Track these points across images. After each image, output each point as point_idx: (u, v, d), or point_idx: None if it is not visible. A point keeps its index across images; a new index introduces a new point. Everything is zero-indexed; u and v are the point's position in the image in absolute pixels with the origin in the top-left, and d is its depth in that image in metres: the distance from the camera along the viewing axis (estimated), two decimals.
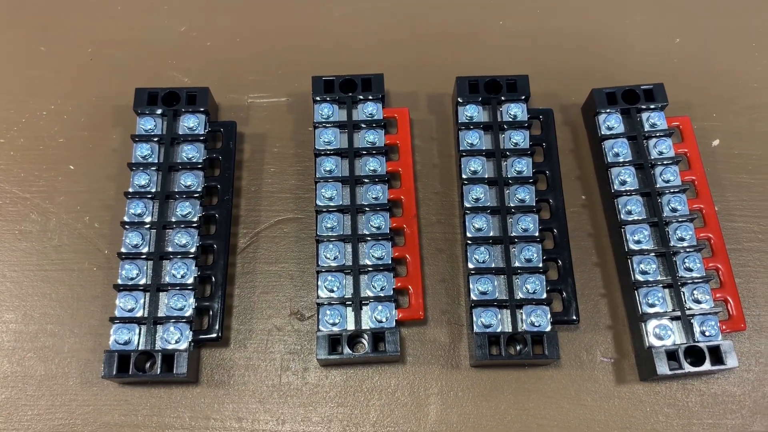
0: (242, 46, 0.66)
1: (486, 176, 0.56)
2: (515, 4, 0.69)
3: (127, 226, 0.54)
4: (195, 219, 0.54)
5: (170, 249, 0.54)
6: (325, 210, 0.55)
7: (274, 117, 0.63)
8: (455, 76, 0.60)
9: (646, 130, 0.58)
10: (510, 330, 0.51)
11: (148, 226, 0.54)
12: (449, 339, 0.55)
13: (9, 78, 0.64)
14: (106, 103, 0.63)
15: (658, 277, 0.53)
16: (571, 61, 0.65)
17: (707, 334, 0.51)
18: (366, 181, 0.56)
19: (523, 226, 0.54)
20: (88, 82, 0.64)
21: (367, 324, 0.52)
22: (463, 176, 0.56)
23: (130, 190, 0.55)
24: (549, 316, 0.51)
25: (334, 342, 0.51)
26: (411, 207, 0.56)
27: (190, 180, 0.56)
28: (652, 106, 0.58)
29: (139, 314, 0.52)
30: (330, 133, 0.57)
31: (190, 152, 0.57)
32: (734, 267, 0.55)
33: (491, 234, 0.54)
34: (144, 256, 0.53)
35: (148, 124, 0.57)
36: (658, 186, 0.56)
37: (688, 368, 0.50)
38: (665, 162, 0.56)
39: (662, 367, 0.50)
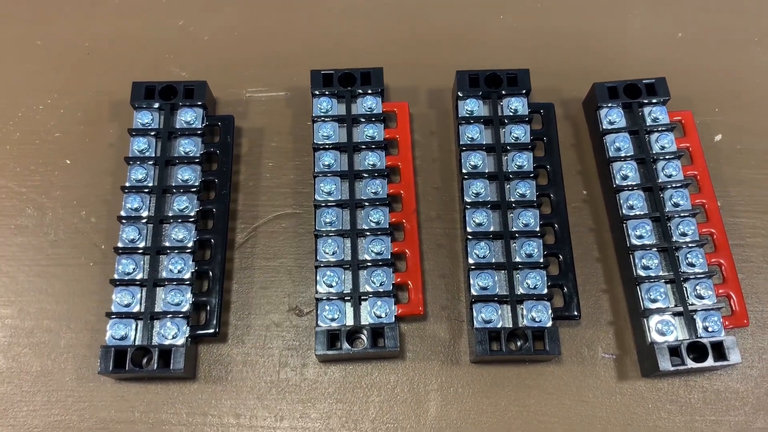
0: (240, 40, 0.66)
1: (486, 171, 0.56)
2: None
3: (123, 221, 0.54)
4: (192, 213, 0.54)
5: (167, 244, 0.53)
6: (324, 205, 0.54)
7: (273, 111, 0.62)
8: (455, 70, 0.59)
9: (647, 124, 0.57)
10: (511, 325, 0.51)
11: (145, 220, 0.54)
12: (449, 335, 0.54)
13: (5, 72, 0.64)
14: (102, 98, 0.62)
15: (660, 273, 0.52)
16: (572, 56, 0.65)
17: (710, 329, 0.51)
18: (365, 175, 0.56)
19: (523, 221, 0.54)
20: (84, 76, 0.64)
21: (366, 319, 0.51)
22: (464, 171, 0.56)
23: (127, 184, 0.55)
24: (550, 311, 0.51)
25: (333, 337, 0.51)
26: (410, 202, 0.56)
27: (187, 174, 0.55)
28: (653, 101, 0.58)
29: (136, 309, 0.51)
30: (329, 128, 0.57)
31: (188, 146, 0.56)
32: (737, 263, 0.54)
33: (492, 229, 0.54)
34: (141, 251, 0.53)
35: (145, 118, 0.57)
36: (660, 181, 0.55)
37: (690, 364, 0.49)
38: (667, 157, 0.56)
39: (665, 363, 0.49)
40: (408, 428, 0.51)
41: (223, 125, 0.58)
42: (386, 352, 0.51)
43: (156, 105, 0.57)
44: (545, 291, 0.52)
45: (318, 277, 0.52)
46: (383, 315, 0.51)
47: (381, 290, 0.52)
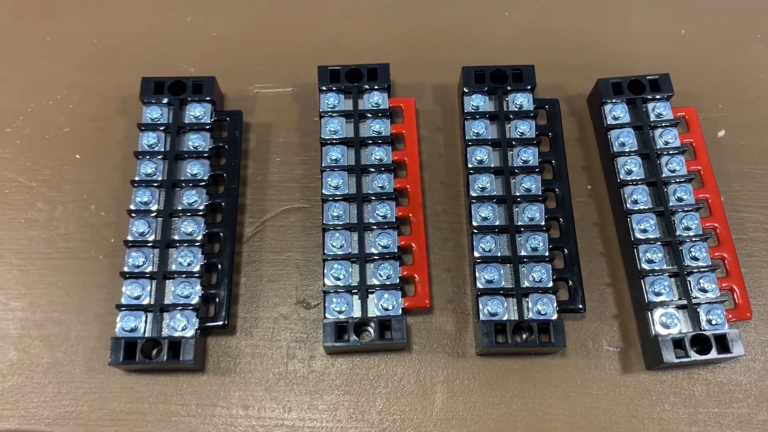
0: (248, 37, 0.66)
1: (492, 165, 0.56)
2: None
3: (133, 215, 0.54)
4: (201, 207, 0.55)
5: (176, 237, 0.54)
6: (331, 199, 0.55)
7: (280, 107, 0.63)
8: (461, 67, 0.60)
9: (651, 120, 0.58)
10: (516, 318, 0.52)
11: (154, 214, 0.54)
12: (455, 328, 0.55)
13: (16, 68, 0.64)
14: (111, 94, 0.63)
15: (664, 266, 0.53)
16: (576, 53, 0.66)
17: (713, 322, 0.51)
18: (372, 170, 0.56)
19: (529, 215, 0.54)
20: (93, 72, 0.64)
21: (373, 312, 0.52)
22: (469, 165, 0.56)
23: (137, 178, 0.55)
24: (555, 304, 0.52)
25: (340, 330, 0.51)
26: (417, 196, 0.56)
27: (196, 168, 0.56)
28: (657, 97, 0.58)
29: (146, 302, 0.52)
30: (336, 123, 0.57)
31: (197, 141, 0.57)
32: (740, 257, 0.55)
33: (497, 223, 0.54)
34: (150, 244, 0.54)
35: (154, 113, 0.58)
36: (664, 176, 0.56)
37: (694, 356, 0.50)
38: (671, 152, 0.57)
39: (668, 355, 0.50)
40: (414, 419, 0.52)
41: (231, 120, 0.59)
42: (393, 344, 0.51)
43: (165, 100, 0.58)
44: (550, 284, 0.52)
45: (326, 270, 0.53)
46: (390, 307, 0.52)
47: (388, 283, 0.52)
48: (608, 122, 0.58)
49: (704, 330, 0.51)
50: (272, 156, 0.61)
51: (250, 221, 0.58)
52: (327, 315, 0.52)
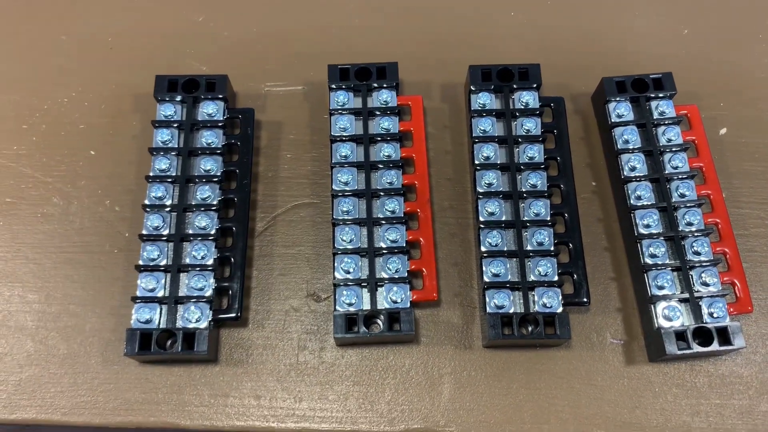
0: (259, 35, 0.68)
1: (498, 162, 0.57)
2: None
3: (148, 209, 0.56)
4: (214, 202, 0.56)
5: (190, 231, 0.55)
6: (341, 194, 0.56)
7: (291, 105, 0.64)
8: (468, 66, 0.61)
9: (654, 117, 0.59)
10: (522, 311, 0.53)
11: (168, 209, 0.56)
12: (462, 321, 0.56)
13: (31, 66, 0.66)
14: (125, 91, 0.64)
15: (667, 261, 0.54)
16: (581, 52, 0.67)
17: (715, 315, 0.52)
18: (381, 166, 0.57)
19: (534, 211, 0.55)
20: (108, 70, 0.66)
21: (382, 304, 0.53)
22: (476, 162, 0.57)
23: (151, 174, 0.57)
24: (560, 297, 0.53)
25: (350, 321, 0.52)
26: (424, 192, 0.57)
27: (209, 165, 0.57)
28: (660, 95, 0.60)
29: (160, 294, 0.53)
30: (345, 120, 0.59)
31: (210, 138, 0.58)
32: (741, 252, 0.56)
33: (503, 218, 0.56)
34: (165, 238, 0.55)
35: (168, 110, 0.59)
36: (666, 172, 0.57)
37: (696, 348, 0.51)
38: (674, 149, 0.58)
39: (671, 347, 0.51)
40: (422, 410, 0.53)
41: (243, 118, 0.60)
42: (402, 335, 0.52)
43: (178, 98, 0.59)
44: (556, 278, 0.53)
45: (336, 264, 0.54)
46: (399, 300, 0.53)
47: (396, 277, 0.54)
48: (612, 120, 0.59)
49: (706, 323, 0.52)
50: (283, 153, 0.62)
51: (262, 216, 0.59)
52: (337, 307, 0.53)
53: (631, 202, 0.56)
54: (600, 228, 0.59)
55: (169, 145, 0.58)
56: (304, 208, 0.60)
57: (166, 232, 0.55)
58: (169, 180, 0.57)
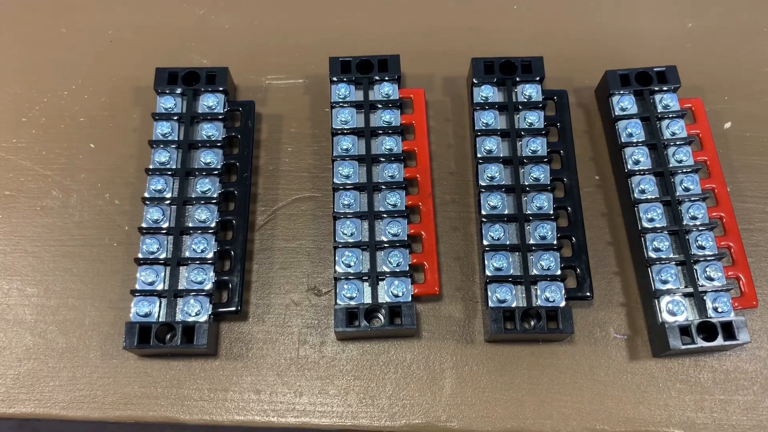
0: (260, 28, 0.67)
1: (501, 155, 0.57)
2: None
3: (147, 202, 0.55)
4: (215, 195, 0.55)
5: (190, 224, 0.55)
6: (342, 187, 0.56)
7: (291, 98, 0.64)
8: (470, 58, 0.60)
9: (659, 111, 0.59)
10: (525, 305, 0.52)
11: (168, 202, 0.55)
12: (464, 315, 0.55)
13: (31, 59, 0.65)
14: (125, 84, 0.64)
15: (671, 255, 0.54)
16: (584, 45, 0.66)
17: (719, 310, 0.52)
18: (382, 159, 0.57)
19: (537, 204, 0.55)
20: (108, 63, 0.65)
21: (383, 298, 0.53)
22: (479, 155, 0.57)
23: (151, 166, 0.56)
24: (563, 291, 0.52)
25: (351, 315, 0.52)
26: (426, 185, 0.57)
27: (209, 157, 0.57)
28: (665, 88, 0.59)
29: (160, 287, 0.53)
30: (347, 113, 0.58)
31: (210, 130, 0.58)
32: (746, 246, 0.55)
33: (506, 212, 0.55)
34: (164, 231, 0.54)
35: (168, 102, 0.58)
36: (671, 166, 0.56)
37: (700, 343, 0.51)
38: (678, 142, 0.57)
39: (675, 342, 0.50)
40: (424, 405, 0.53)
41: (243, 111, 0.60)
42: (403, 330, 0.52)
43: (179, 90, 0.59)
44: (559, 272, 0.53)
45: (337, 257, 0.53)
46: (400, 294, 0.52)
47: (398, 270, 0.53)
48: (616, 113, 0.59)
49: (710, 317, 0.52)
50: (284, 146, 0.62)
51: (262, 209, 0.59)
52: (338, 301, 0.52)
53: (635, 195, 0.56)
54: (603, 222, 0.59)
55: (169, 137, 0.57)
56: (304, 201, 0.59)
57: (165, 225, 0.55)
58: (169, 173, 0.56)
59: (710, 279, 0.53)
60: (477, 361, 0.54)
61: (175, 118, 0.58)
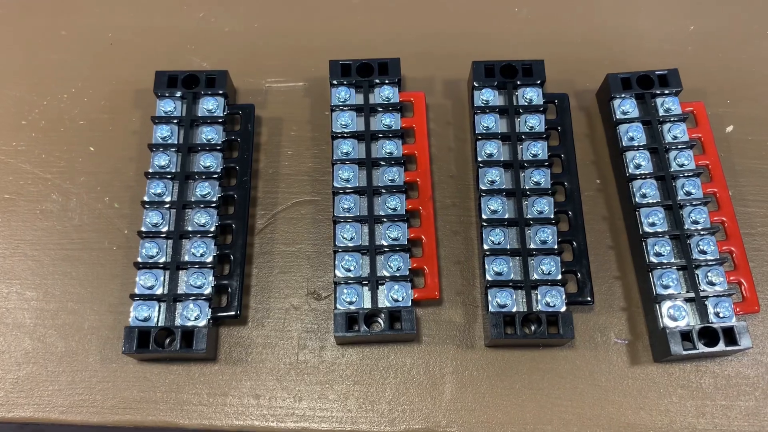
0: (260, 31, 0.67)
1: (501, 159, 0.57)
2: None
3: (147, 205, 0.55)
4: (214, 199, 0.55)
5: (190, 228, 0.55)
6: (342, 191, 0.56)
7: (291, 101, 0.64)
8: (471, 62, 0.60)
9: (660, 114, 0.58)
10: (525, 310, 0.52)
11: (168, 205, 0.55)
12: (464, 319, 0.55)
13: (31, 61, 0.65)
14: (125, 87, 0.64)
15: (672, 260, 0.53)
16: (585, 49, 0.66)
17: (721, 315, 0.52)
18: (382, 163, 0.57)
19: (538, 208, 0.55)
20: (107, 66, 0.65)
21: (383, 303, 0.52)
22: (479, 159, 0.57)
23: (150, 170, 0.56)
24: (564, 296, 0.52)
25: (351, 320, 0.52)
26: (426, 189, 0.57)
27: (209, 161, 0.56)
28: (666, 92, 0.59)
29: (159, 292, 0.53)
30: (347, 116, 0.58)
31: (210, 134, 0.57)
32: (748, 251, 0.55)
33: (506, 216, 0.55)
34: (164, 235, 0.54)
35: (168, 106, 0.58)
36: (672, 170, 0.56)
37: (702, 348, 0.50)
38: (679, 146, 0.57)
39: (676, 347, 0.50)
40: (423, 410, 0.52)
41: (243, 114, 0.60)
42: (403, 334, 0.52)
43: (178, 94, 0.59)
44: (559, 276, 0.53)
45: (336, 262, 0.53)
46: (400, 299, 0.52)
47: (398, 275, 0.53)
48: (617, 117, 0.59)
49: (712, 323, 0.51)
50: (284, 149, 0.61)
51: (262, 213, 0.59)
52: (338, 305, 0.52)
53: (636, 200, 0.55)
54: (604, 226, 0.58)
55: (169, 141, 0.57)
56: (304, 205, 0.59)
57: (165, 229, 0.54)
58: (169, 176, 0.56)
59: (712, 284, 0.52)
60: (477, 366, 0.54)
61: (175, 121, 0.58)
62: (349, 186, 0.56)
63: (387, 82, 0.59)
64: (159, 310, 0.52)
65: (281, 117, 0.63)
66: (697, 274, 0.53)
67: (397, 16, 0.68)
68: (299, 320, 0.55)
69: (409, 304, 0.52)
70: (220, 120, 0.58)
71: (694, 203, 0.55)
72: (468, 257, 0.57)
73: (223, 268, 0.55)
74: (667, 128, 0.58)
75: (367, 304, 0.52)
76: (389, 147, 0.57)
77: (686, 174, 0.56)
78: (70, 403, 0.53)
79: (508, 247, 0.54)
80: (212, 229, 0.54)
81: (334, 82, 0.59)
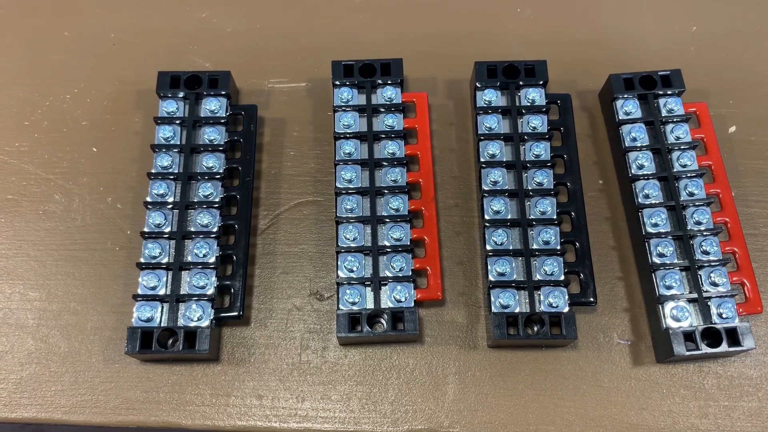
0: (262, 32, 0.67)
1: (504, 160, 0.57)
2: None
3: (149, 206, 0.55)
4: (217, 200, 0.55)
5: (192, 229, 0.55)
6: (344, 192, 0.56)
7: (294, 102, 0.64)
8: (473, 62, 0.60)
9: (663, 115, 0.58)
10: (528, 311, 0.52)
11: (170, 206, 0.55)
12: (467, 320, 0.55)
13: (34, 62, 0.65)
14: (128, 88, 0.64)
15: (675, 260, 0.53)
16: (587, 49, 0.66)
17: (724, 316, 0.51)
18: (385, 164, 0.57)
19: (541, 209, 0.55)
20: (110, 66, 0.65)
21: (386, 303, 0.52)
22: (482, 159, 0.57)
23: (153, 171, 0.56)
24: (567, 297, 0.52)
25: (353, 321, 0.52)
26: (429, 190, 0.57)
27: (212, 162, 0.56)
28: (669, 92, 0.59)
29: (162, 292, 0.53)
30: (349, 117, 0.58)
31: (212, 134, 0.57)
32: (751, 252, 0.55)
33: (509, 217, 0.55)
34: (166, 236, 0.54)
35: (170, 106, 0.58)
36: (675, 170, 0.56)
37: (705, 349, 0.50)
38: (682, 147, 0.57)
39: (679, 348, 0.50)
40: (426, 410, 0.52)
41: (246, 114, 0.60)
42: (405, 335, 0.52)
43: (181, 94, 0.59)
44: (562, 277, 0.53)
45: (339, 262, 0.53)
46: (403, 299, 0.52)
47: (400, 275, 0.53)
48: (620, 117, 0.59)
49: (715, 323, 0.51)
50: (286, 150, 0.61)
51: (264, 214, 0.59)
52: (340, 306, 0.52)
53: (639, 200, 0.55)
54: (607, 227, 0.58)
55: (172, 141, 0.57)
56: (307, 205, 0.59)
57: (168, 230, 0.54)
58: (171, 177, 0.56)
59: (715, 284, 0.52)
60: (480, 366, 0.54)
61: (178, 122, 0.58)
62: (352, 186, 0.56)
63: (389, 82, 0.59)
64: (162, 311, 0.52)
65: (284, 117, 0.63)
66: (700, 275, 0.53)
67: (399, 16, 0.68)
68: (302, 321, 0.55)
69: (412, 304, 0.52)
70: (222, 120, 0.58)
71: (696, 204, 0.55)
72: (471, 258, 0.57)
73: (226, 269, 0.55)
74: (670, 129, 0.58)
75: (370, 305, 0.52)
76: (392, 147, 0.57)
77: (689, 175, 0.56)
78: (73, 403, 0.53)
79: (511, 248, 0.54)
80: (215, 229, 0.54)
81: (337, 82, 0.59)
